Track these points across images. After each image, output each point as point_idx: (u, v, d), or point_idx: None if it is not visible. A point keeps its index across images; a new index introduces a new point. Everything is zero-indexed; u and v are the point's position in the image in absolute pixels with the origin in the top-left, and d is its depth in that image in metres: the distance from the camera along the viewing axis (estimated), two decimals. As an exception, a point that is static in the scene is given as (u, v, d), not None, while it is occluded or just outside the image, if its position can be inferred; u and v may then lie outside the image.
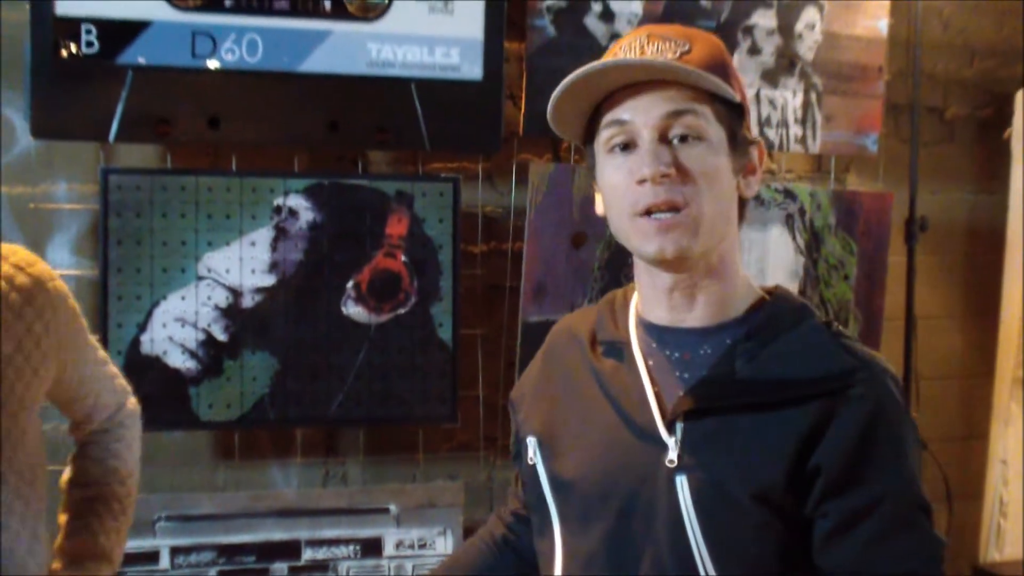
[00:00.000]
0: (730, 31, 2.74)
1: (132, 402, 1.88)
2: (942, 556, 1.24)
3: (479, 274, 2.74)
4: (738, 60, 2.76)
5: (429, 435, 2.72)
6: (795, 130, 2.84)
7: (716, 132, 1.28)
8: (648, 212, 1.25)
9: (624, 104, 1.27)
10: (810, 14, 2.82)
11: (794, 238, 2.84)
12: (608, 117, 1.29)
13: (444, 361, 2.58)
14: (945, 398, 3.28)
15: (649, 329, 1.36)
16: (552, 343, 1.51)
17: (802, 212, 2.85)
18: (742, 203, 1.35)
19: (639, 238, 1.27)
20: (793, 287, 2.84)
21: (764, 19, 2.77)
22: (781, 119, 2.82)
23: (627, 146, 1.28)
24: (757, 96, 2.79)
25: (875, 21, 2.89)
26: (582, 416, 1.37)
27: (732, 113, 1.30)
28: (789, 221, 2.83)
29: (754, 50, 2.77)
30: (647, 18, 2.66)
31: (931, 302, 3.21)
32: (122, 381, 1.86)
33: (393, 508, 2.60)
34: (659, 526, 1.26)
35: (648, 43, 1.29)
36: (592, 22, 2.63)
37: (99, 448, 1.81)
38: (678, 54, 1.27)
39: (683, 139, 1.26)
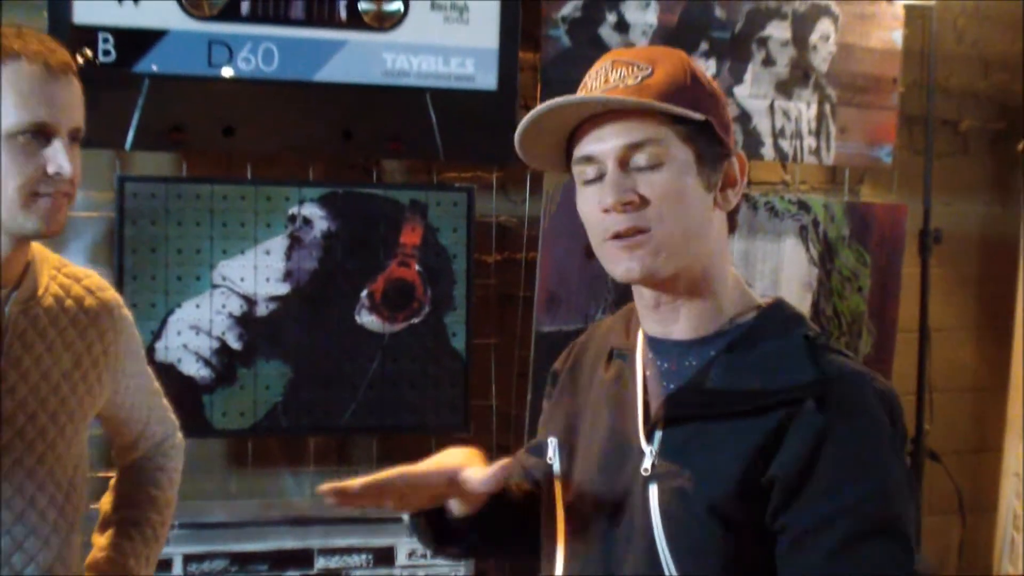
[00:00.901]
0: (744, 42, 2.75)
1: (179, 437, 1.94)
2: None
3: (492, 283, 2.74)
4: (752, 71, 2.76)
5: (442, 444, 2.67)
6: (809, 141, 2.84)
7: (682, 153, 1.28)
8: (615, 237, 1.28)
9: (590, 136, 1.29)
10: (824, 26, 2.82)
11: (808, 249, 2.84)
12: (577, 152, 1.31)
13: (457, 370, 2.58)
14: (959, 410, 3.27)
15: (649, 341, 1.39)
16: (583, 344, 1.54)
17: (816, 223, 2.84)
18: (731, 215, 1.36)
19: (610, 262, 1.31)
20: (807, 298, 2.84)
21: (778, 31, 2.77)
22: (795, 130, 2.82)
23: (598, 178, 1.30)
24: (771, 107, 2.79)
25: (889, 33, 2.89)
26: (591, 422, 1.42)
27: (699, 131, 1.29)
28: (803, 232, 2.83)
29: (768, 61, 2.77)
30: (661, 28, 2.66)
31: (945, 314, 3.20)
32: (172, 415, 1.93)
33: (406, 517, 2.59)
34: (636, 532, 1.28)
35: (612, 70, 1.30)
36: (607, 32, 2.64)
37: (141, 475, 1.86)
38: (639, 79, 1.28)
39: (645, 166, 1.27)
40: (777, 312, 1.35)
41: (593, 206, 1.30)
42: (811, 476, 1.20)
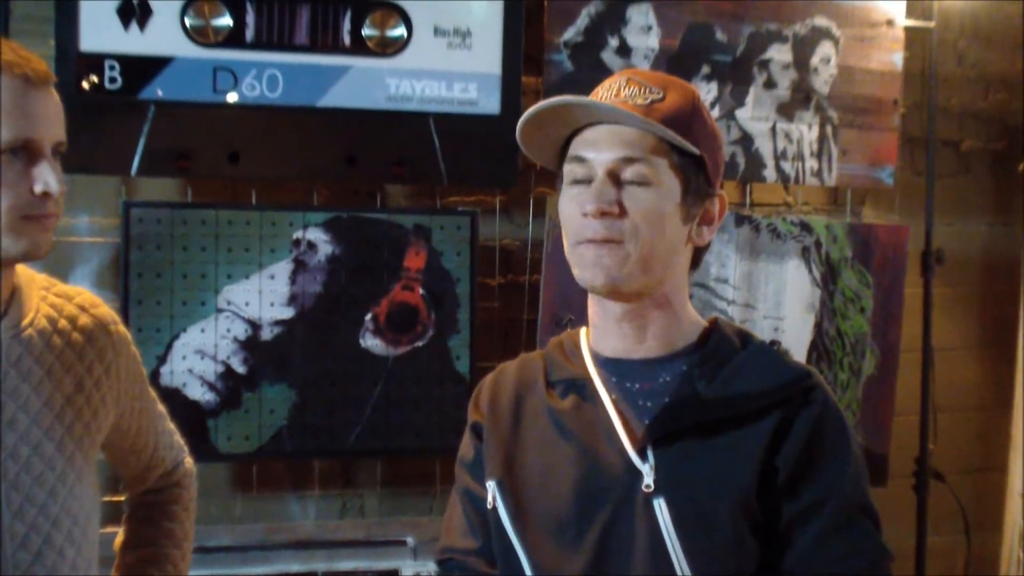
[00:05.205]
0: (746, 65, 2.76)
1: (189, 461, 1.84)
2: (887, 565, 1.30)
3: (496, 307, 2.75)
4: (754, 94, 2.77)
5: (446, 467, 2.71)
6: (811, 163, 2.85)
7: (669, 181, 1.32)
8: (589, 242, 1.31)
9: (588, 140, 1.34)
10: (825, 48, 2.83)
11: (810, 271, 2.84)
12: (572, 152, 1.35)
13: (461, 394, 2.58)
14: (963, 430, 3.27)
15: (606, 364, 1.40)
16: (492, 390, 1.48)
17: (818, 245, 2.85)
18: (698, 250, 1.41)
19: (578, 265, 1.34)
20: (810, 320, 2.84)
21: (780, 53, 2.79)
22: (797, 152, 2.83)
23: (585, 180, 1.33)
24: (773, 129, 2.80)
25: (890, 55, 2.91)
26: (545, 460, 1.38)
27: (692, 164, 1.34)
28: (805, 254, 2.84)
29: (770, 84, 2.79)
30: (663, 52, 2.68)
31: (948, 334, 3.20)
32: (179, 439, 1.83)
33: (410, 540, 2.60)
34: (639, 552, 1.29)
35: (626, 86, 1.35)
36: (609, 57, 2.65)
37: (154, 509, 1.76)
38: (649, 101, 1.33)
39: (633, 181, 1.31)
40: (727, 327, 1.41)
41: (574, 208, 1.33)
42: (806, 463, 1.29)
